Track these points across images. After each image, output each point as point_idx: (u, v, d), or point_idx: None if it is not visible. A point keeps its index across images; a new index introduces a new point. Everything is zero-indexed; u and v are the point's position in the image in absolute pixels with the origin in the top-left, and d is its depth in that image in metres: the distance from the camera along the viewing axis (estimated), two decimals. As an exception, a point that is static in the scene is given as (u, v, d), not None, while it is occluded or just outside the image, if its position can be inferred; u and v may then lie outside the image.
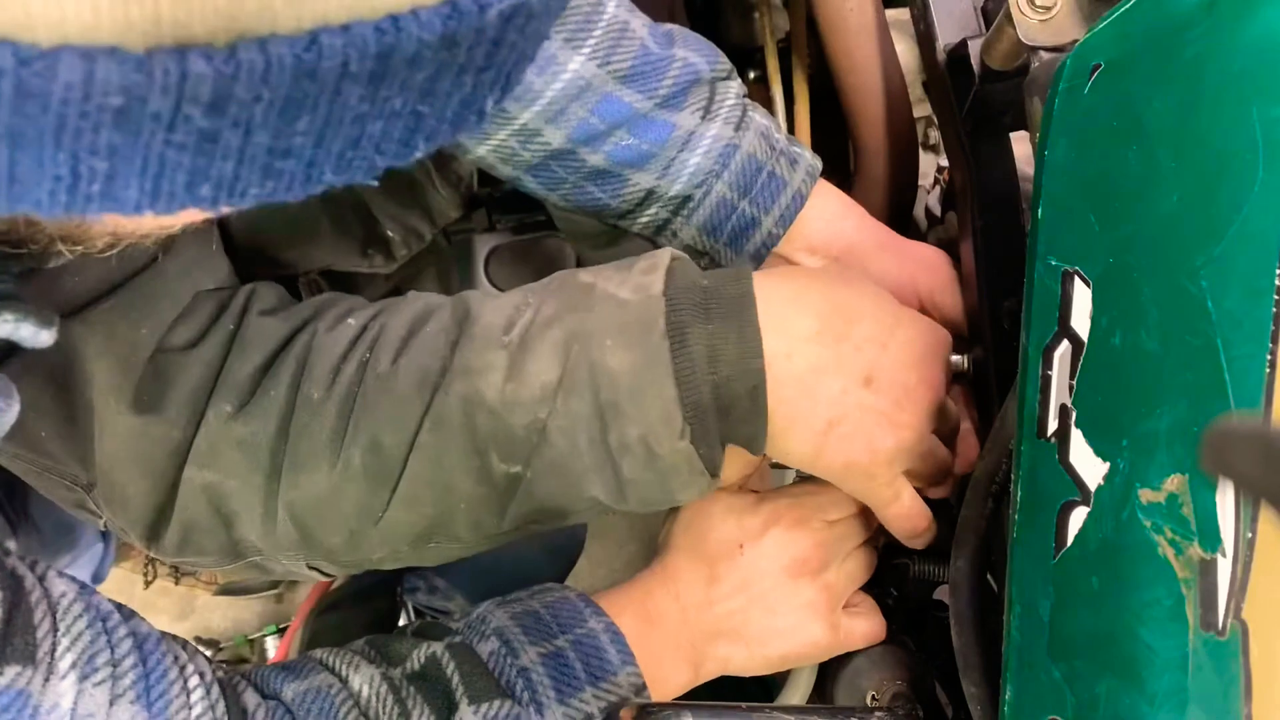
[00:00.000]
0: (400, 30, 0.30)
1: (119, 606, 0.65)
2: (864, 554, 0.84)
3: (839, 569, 0.82)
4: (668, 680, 0.78)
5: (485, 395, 0.68)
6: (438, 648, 0.71)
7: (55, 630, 0.59)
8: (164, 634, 0.67)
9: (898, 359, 0.72)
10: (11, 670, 0.55)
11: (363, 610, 1.29)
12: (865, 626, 0.83)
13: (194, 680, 0.65)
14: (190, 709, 0.64)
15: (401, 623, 1.32)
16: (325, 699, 0.68)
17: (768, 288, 0.70)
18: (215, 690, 0.65)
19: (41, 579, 0.61)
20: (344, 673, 0.69)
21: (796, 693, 0.84)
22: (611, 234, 1.11)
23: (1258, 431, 0.32)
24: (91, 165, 0.30)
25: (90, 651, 0.60)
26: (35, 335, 0.51)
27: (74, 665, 0.59)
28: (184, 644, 0.68)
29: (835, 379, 0.70)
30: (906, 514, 0.77)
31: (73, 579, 0.63)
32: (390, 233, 0.94)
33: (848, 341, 0.71)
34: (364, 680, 0.69)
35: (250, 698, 0.68)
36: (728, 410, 0.68)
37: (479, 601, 1.22)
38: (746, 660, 0.81)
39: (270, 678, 0.70)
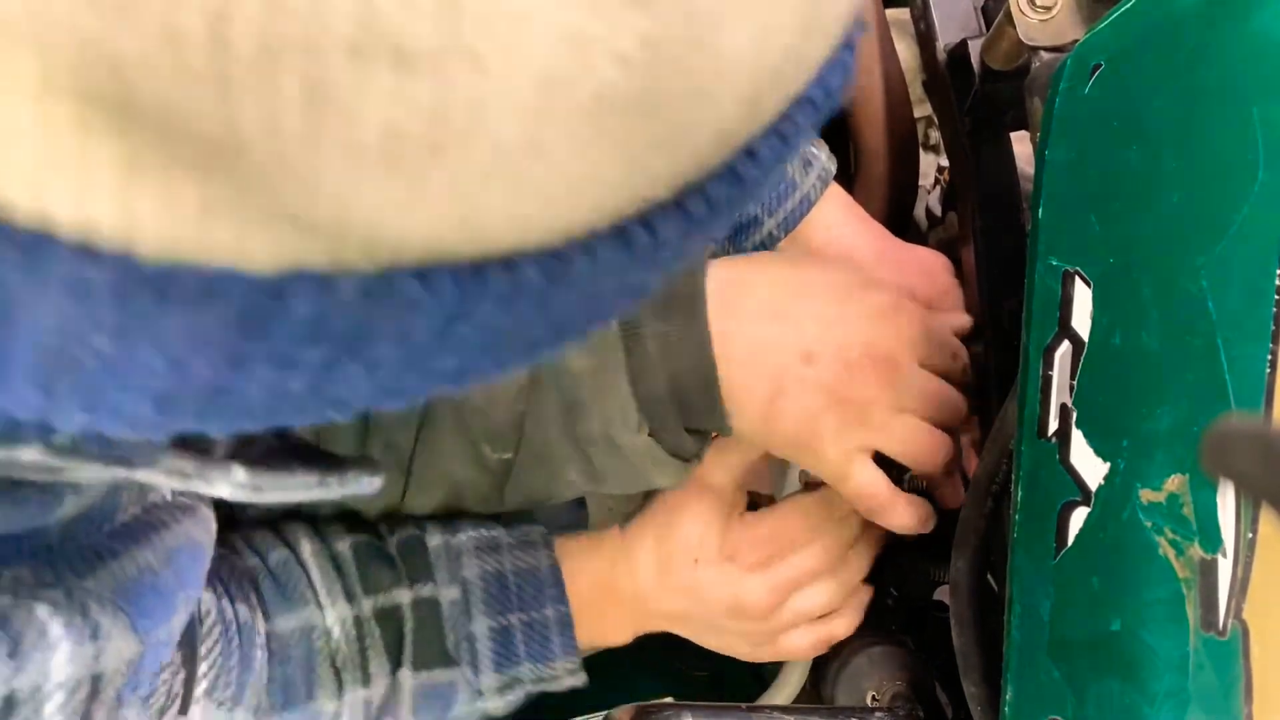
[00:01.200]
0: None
1: (228, 588, 0.69)
2: (828, 588, 0.83)
3: (791, 607, 0.81)
4: (601, 640, 0.82)
5: (470, 394, 0.71)
6: (405, 598, 0.75)
7: (202, 659, 0.63)
8: (237, 582, 0.71)
9: (843, 334, 0.72)
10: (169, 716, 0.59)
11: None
12: (800, 648, 0.84)
13: (261, 653, 0.70)
14: (260, 687, 0.69)
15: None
16: (308, 641, 0.72)
17: (719, 276, 0.72)
18: (260, 654, 0.70)
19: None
20: (324, 602, 0.73)
21: (783, 692, 0.84)
22: None
23: (1258, 431, 0.32)
24: None
25: (218, 673, 0.65)
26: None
27: (207, 691, 0.63)
28: (240, 585, 0.71)
29: (775, 355, 0.71)
30: (860, 493, 0.76)
31: (209, 583, 0.66)
32: None
33: (788, 319, 0.72)
34: (337, 618, 0.73)
35: (259, 633, 0.71)
36: (685, 402, 0.71)
37: None
38: (680, 633, 0.84)
39: (270, 598, 0.72)
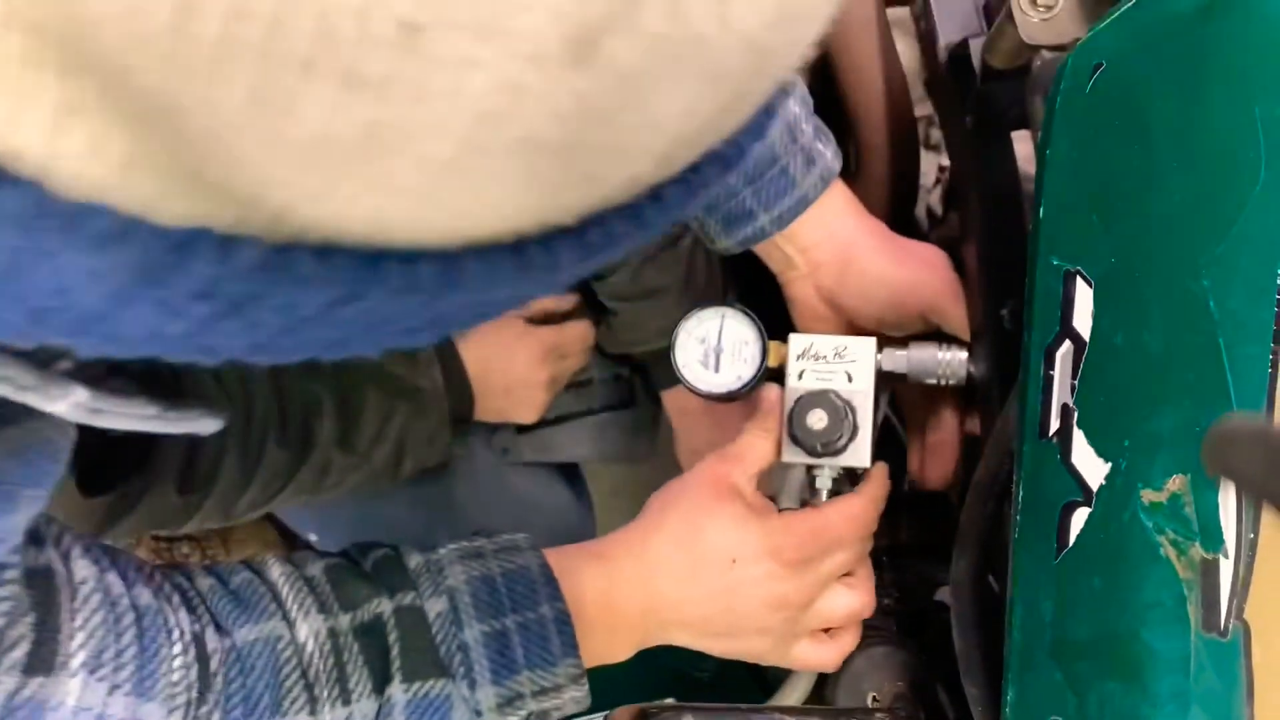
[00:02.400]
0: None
1: (124, 571, 0.66)
2: (855, 595, 0.84)
3: (819, 608, 0.82)
4: (607, 658, 0.79)
5: None
6: (386, 608, 0.72)
7: (73, 624, 0.60)
8: (157, 586, 0.68)
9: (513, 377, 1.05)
10: (35, 683, 0.57)
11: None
12: (815, 658, 0.83)
13: (178, 648, 0.66)
14: (174, 683, 0.65)
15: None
16: (272, 652, 0.69)
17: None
18: (192, 651, 0.67)
19: (66, 558, 0.62)
20: (293, 616, 0.70)
21: (795, 693, 0.84)
22: None
23: (1260, 432, 0.31)
24: None
25: (100, 646, 0.61)
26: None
27: (84, 663, 0.60)
28: (170, 593, 0.68)
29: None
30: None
31: (94, 552, 0.64)
32: None
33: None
34: (310, 632, 0.70)
35: (211, 640, 0.68)
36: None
37: None
38: (689, 642, 0.82)
39: (227, 612, 0.70)
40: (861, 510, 0.84)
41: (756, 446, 0.80)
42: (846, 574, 0.83)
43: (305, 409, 1.02)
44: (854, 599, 0.83)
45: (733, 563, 0.79)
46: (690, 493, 0.82)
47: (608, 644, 0.78)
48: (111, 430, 0.48)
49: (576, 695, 0.75)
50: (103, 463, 0.90)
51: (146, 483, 0.95)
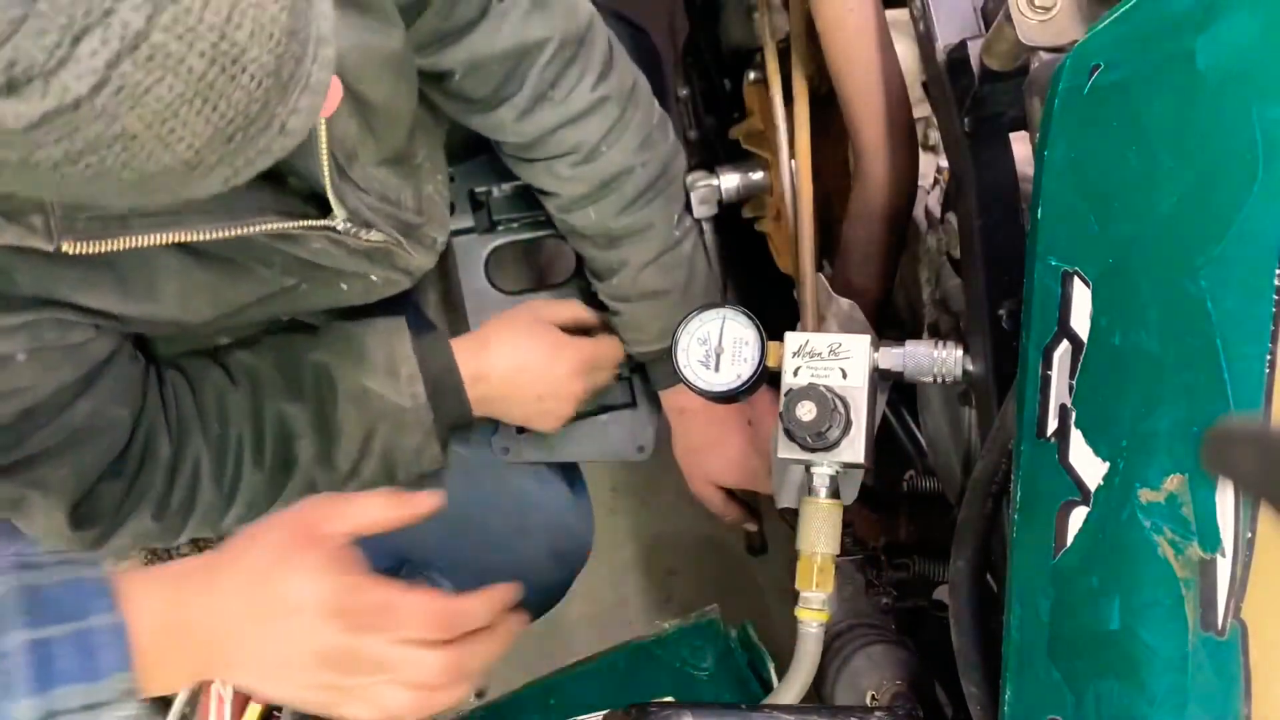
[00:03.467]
0: None
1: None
2: (400, 698, 0.78)
3: (367, 687, 0.78)
4: (161, 685, 0.74)
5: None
6: None
7: None
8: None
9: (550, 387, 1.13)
10: None
11: None
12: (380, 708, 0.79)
13: None
14: None
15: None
16: None
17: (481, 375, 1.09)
18: None
19: None
20: None
21: (791, 691, 0.84)
22: (611, 237, 1.12)
23: (1258, 432, 0.32)
24: None
25: None
26: None
27: None
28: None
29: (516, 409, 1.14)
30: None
31: None
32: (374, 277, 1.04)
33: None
34: None
35: None
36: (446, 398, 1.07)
37: (461, 585, 1.24)
38: (247, 683, 0.81)
39: None
40: (438, 610, 0.80)
41: (356, 503, 0.79)
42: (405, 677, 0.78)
43: (282, 431, 1.03)
44: (398, 701, 0.78)
45: (297, 612, 0.75)
46: (276, 533, 0.79)
47: (162, 668, 0.73)
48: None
49: (123, 715, 0.70)
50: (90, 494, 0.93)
51: (125, 514, 0.96)
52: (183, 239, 0.83)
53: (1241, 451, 0.29)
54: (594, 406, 1.36)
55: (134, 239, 0.80)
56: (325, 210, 0.89)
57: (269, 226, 0.88)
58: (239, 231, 0.86)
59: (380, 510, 0.81)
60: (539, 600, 1.35)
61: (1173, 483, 0.51)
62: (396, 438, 1.07)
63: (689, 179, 1.19)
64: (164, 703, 1.89)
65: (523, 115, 1.03)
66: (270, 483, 1.03)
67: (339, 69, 0.81)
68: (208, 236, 0.84)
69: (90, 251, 0.78)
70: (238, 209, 0.86)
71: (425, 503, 0.82)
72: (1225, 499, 0.49)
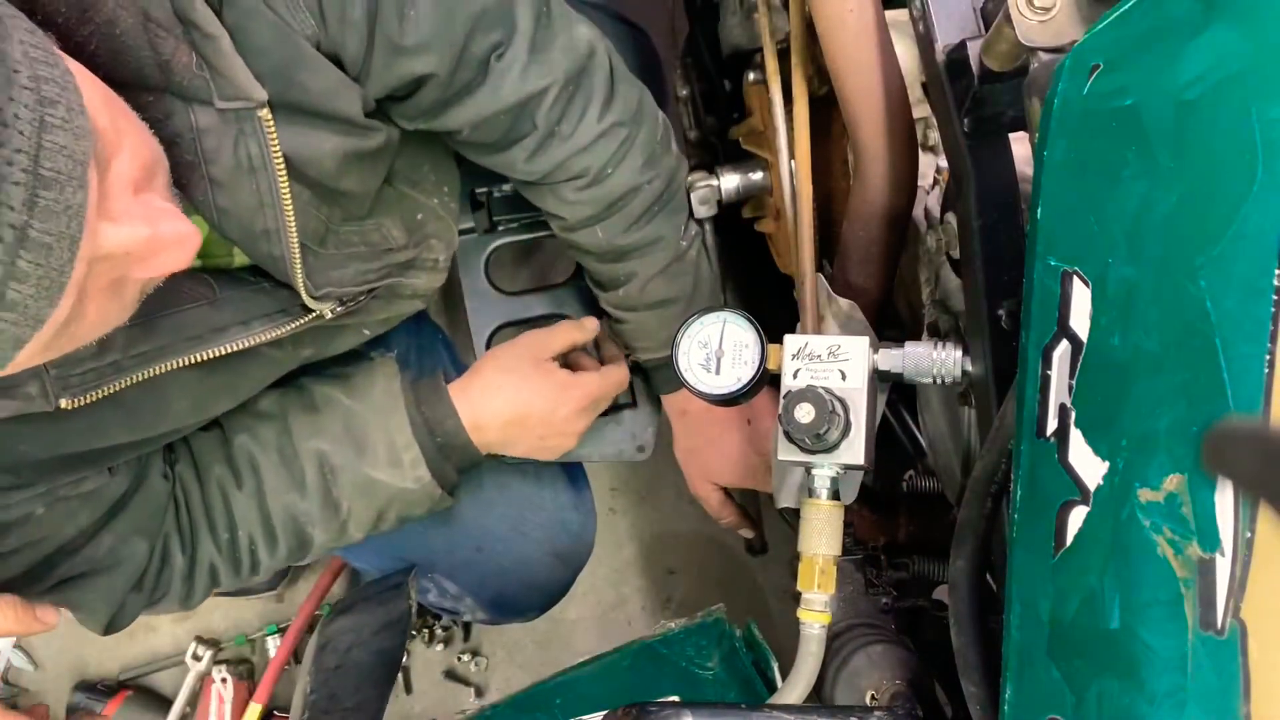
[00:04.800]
0: None
1: None
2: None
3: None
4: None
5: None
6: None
7: None
8: None
9: (553, 428, 1.16)
10: None
11: (377, 611, 1.30)
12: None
13: None
14: None
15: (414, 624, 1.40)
16: None
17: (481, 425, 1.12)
18: None
19: None
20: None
21: (794, 691, 0.84)
22: (619, 252, 1.12)
23: (1257, 432, 0.32)
24: None
25: None
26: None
27: None
28: None
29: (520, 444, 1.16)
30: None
31: None
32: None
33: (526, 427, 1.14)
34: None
35: None
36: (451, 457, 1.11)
37: (487, 604, 1.28)
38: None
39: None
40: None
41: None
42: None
43: (293, 525, 1.07)
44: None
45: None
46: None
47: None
48: None
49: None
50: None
51: (151, 610, 1.06)
52: (172, 366, 0.85)
53: (1241, 451, 0.29)
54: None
55: (127, 379, 0.83)
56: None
57: (261, 338, 0.90)
58: (231, 348, 0.88)
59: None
60: (541, 599, 1.36)
61: (1172, 482, 0.51)
62: (407, 511, 1.11)
63: (689, 179, 1.19)
64: (164, 702, 1.89)
65: (533, 155, 1.02)
66: (289, 559, 1.10)
67: (316, 173, 0.83)
68: (199, 358, 0.86)
69: (89, 401, 0.80)
70: (225, 326, 0.88)
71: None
72: (1225, 499, 0.49)
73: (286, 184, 0.80)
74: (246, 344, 0.89)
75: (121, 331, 0.78)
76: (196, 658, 1.91)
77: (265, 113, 0.76)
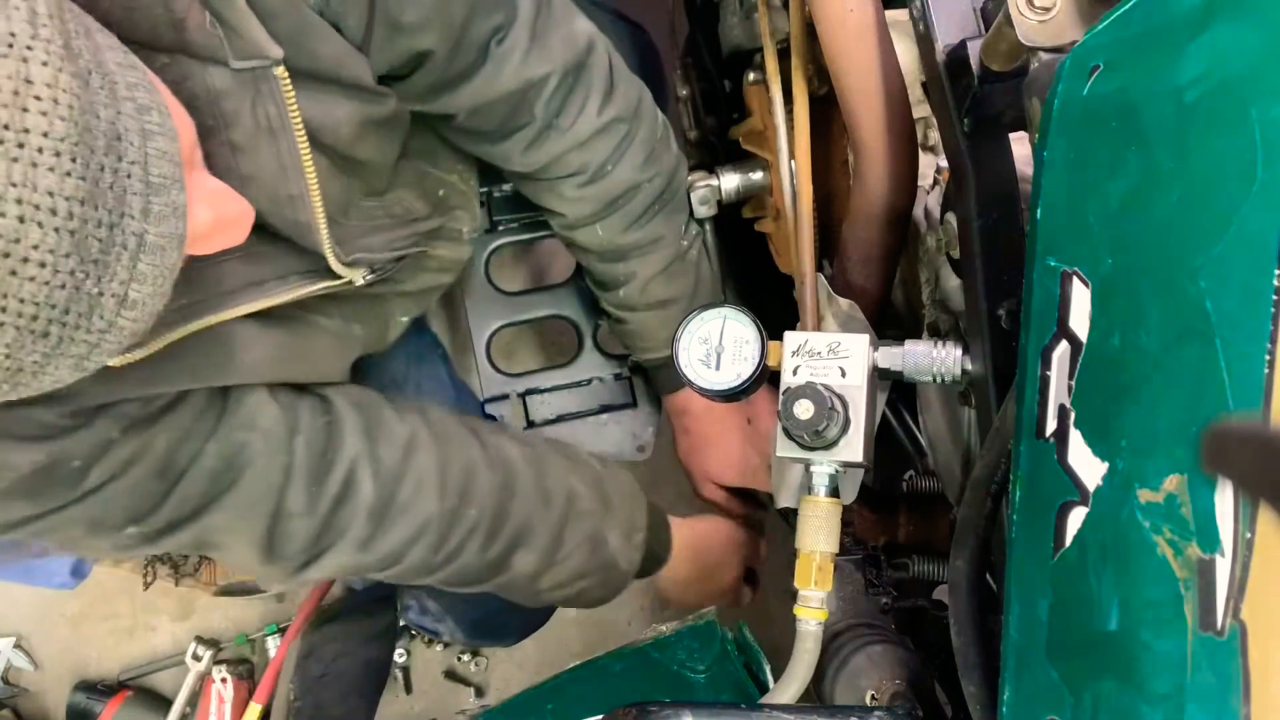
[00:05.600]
0: None
1: None
2: None
3: None
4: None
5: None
6: None
7: None
8: None
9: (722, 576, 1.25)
10: None
11: (365, 622, 1.30)
12: None
13: None
14: None
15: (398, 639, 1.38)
16: None
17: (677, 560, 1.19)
18: None
19: None
20: None
21: (790, 688, 0.84)
22: (620, 251, 1.12)
23: (1257, 432, 0.32)
24: None
25: None
26: None
27: None
28: None
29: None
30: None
31: None
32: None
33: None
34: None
35: None
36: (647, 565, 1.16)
37: (468, 626, 1.28)
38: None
39: None
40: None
41: None
42: None
43: (517, 538, 1.05)
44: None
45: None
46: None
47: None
48: None
49: None
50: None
51: (321, 549, 1.00)
52: (218, 320, 0.84)
53: (1240, 451, 0.29)
54: (595, 405, 1.36)
55: (172, 333, 0.81)
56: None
57: (299, 292, 0.88)
58: (271, 301, 0.87)
59: None
60: (521, 626, 1.37)
61: (1171, 483, 0.51)
62: (596, 590, 1.13)
63: (689, 179, 1.19)
64: (164, 702, 1.89)
65: (530, 146, 1.02)
66: (477, 574, 1.06)
67: (332, 139, 0.82)
68: (239, 314, 0.85)
69: (140, 358, 0.79)
70: (262, 281, 0.87)
71: None
72: (1224, 499, 0.49)
73: (307, 145, 0.79)
74: (286, 297, 0.87)
75: None
76: (196, 658, 1.91)
77: (281, 71, 0.75)
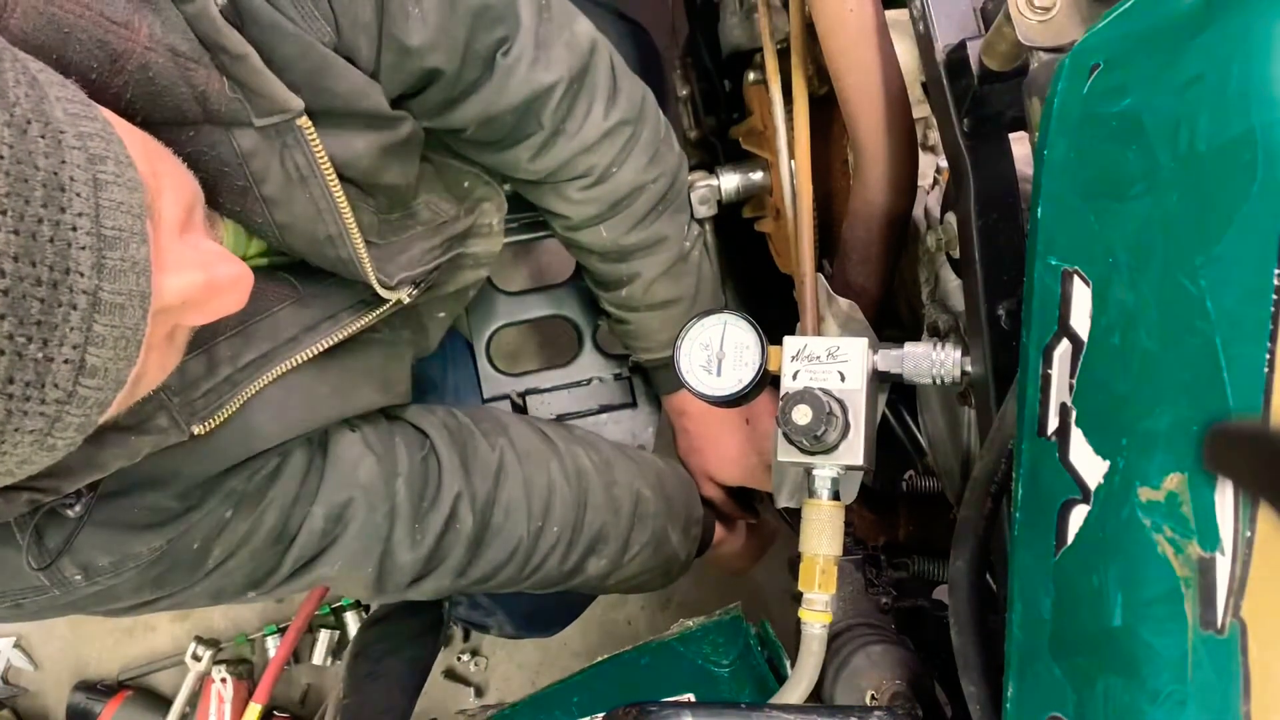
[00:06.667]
0: None
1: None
2: None
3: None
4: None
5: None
6: None
7: None
8: None
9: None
10: None
11: (411, 621, 1.32)
12: None
13: None
14: None
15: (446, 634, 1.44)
16: None
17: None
18: None
19: None
20: None
21: (796, 691, 0.84)
22: (623, 252, 1.12)
23: (1257, 431, 0.32)
24: None
25: None
26: None
27: None
28: None
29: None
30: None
31: None
32: None
33: None
34: None
35: None
36: None
37: (521, 618, 1.32)
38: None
39: None
40: None
41: None
42: None
43: (592, 544, 1.12)
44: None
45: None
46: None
47: None
48: None
49: None
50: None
51: (423, 576, 1.06)
52: (280, 371, 0.86)
53: (1241, 451, 0.29)
54: (594, 406, 1.36)
55: (246, 391, 0.83)
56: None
57: (352, 328, 0.91)
58: (327, 342, 0.89)
59: None
60: (568, 613, 1.40)
61: (1172, 481, 0.51)
62: (658, 580, 1.21)
63: (689, 179, 1.19)
64: (164, 702, 1.89)
65: (538, 153, 1.02)
66: (555, 581, 1.13)
67: (355, 172, 0.83)
68: (300, 360, 0.87)
69: (218, 423, 0.81)
70: (315, 324, 0.89)
71: None
72: (1225, 498, 0.49)
73: (338, 185, 0.80)
74: (340, 336, 0.90)
75: (224, 345, 0.81)
76: (196, 658, 1.91)
77: (304, 120, 0.76)
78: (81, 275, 0.53)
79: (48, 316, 0.52)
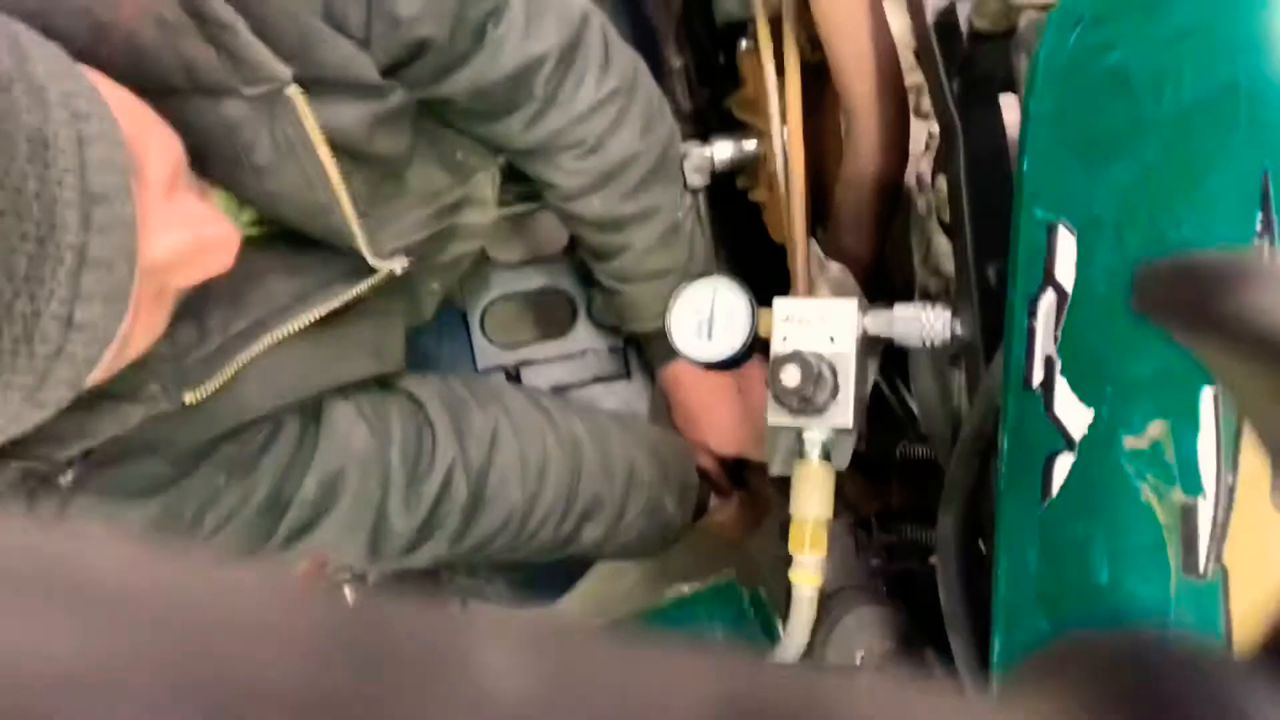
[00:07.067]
0: None
1: None
2: None
3: None
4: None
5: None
6: None
7: None
8: None
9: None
10: None
11: (408, 587, 1.33)
12: None
13: None
14: None
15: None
16: None
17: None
18: None
19: None
20: None
21: (787, 654, 0.85)
22: (617, 222, 1.12)
23: (1185, 263, 0.31)
24: None
25: None
26: None
27: None
28: None
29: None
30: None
31: None
32: None
33: None
34: None
35: None
36: None
37: (521, 584, 1.33)
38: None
39: None
40: None
41: None
42: None
43: (585, 510, 1.11)
44: None
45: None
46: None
47: None
48: None
49: None
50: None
51: (419, 543, 1.06)
52: (273, 340, 0.85)
53: (1168, 285, 0.28)
54: (588, 377, 1.36)
55: (239, 360, 0.82)
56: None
57: (343, 298, 0.90)
58: (320, 312, 0.88)
59: None
60: (568, 576, 1.39)
61: (1155, 429, 0.51)
62: (655, 545, 1.19)
63: (682, 149, 1.19)
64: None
65: (531, 123, 1.01)
66: (551, 550, 1.12)
67: (345, 141, 0.82)
68: (293, 329, 0.86)
69: (211, 391, 0.80)
70: (307, 293, 0.88)
71: None
72: (1207, 444, 0.49)
73: (329, 155, 0.80)
74: (334, 303, 0.89)
75: (216, 313, 0.80)
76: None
77: (294, 89, 0.75)
78: (69, 231, 0.54)
79: (35, 271, 0.53)
